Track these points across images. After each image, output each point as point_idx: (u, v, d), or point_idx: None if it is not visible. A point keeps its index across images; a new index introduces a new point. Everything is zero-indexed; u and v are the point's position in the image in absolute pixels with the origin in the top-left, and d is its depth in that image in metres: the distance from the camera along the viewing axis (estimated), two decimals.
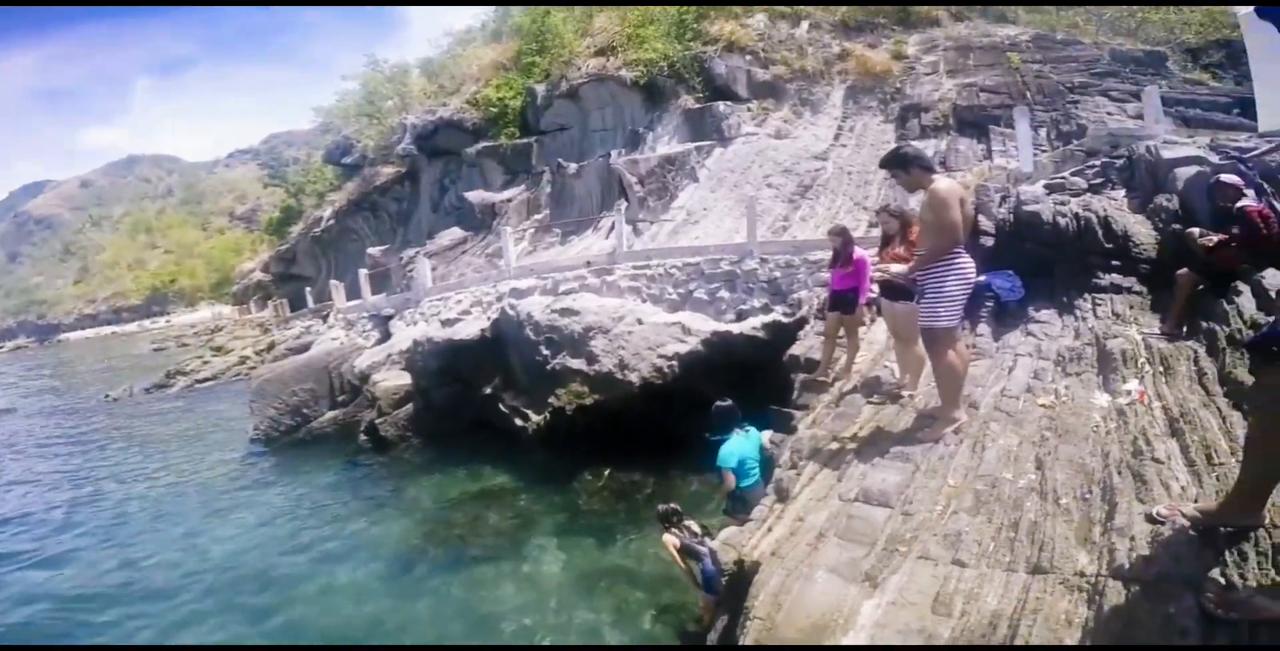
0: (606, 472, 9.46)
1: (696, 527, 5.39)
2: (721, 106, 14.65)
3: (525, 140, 19.53)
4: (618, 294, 11.15)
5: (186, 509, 11.08)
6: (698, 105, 15.15)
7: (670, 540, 5.30)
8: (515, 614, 6.52)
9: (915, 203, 5.94)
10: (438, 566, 7.76)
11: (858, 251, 5.76)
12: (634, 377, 9.38)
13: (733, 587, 3.91)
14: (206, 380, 22.13)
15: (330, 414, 13.48)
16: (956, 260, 3.75)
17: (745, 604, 3.06)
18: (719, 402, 5.49)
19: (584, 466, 9.60)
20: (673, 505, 5.68)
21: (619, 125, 17.35)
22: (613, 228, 12.69)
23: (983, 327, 5.74)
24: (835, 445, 4.35)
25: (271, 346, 21.16)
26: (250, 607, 7.38)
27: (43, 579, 8.96)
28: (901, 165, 3.83)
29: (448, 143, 21.84)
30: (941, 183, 3.71)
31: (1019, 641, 2.29)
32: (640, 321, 10.03)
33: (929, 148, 12.11)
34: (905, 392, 4.78)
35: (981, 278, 5.70)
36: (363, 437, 12.26)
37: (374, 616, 6.89)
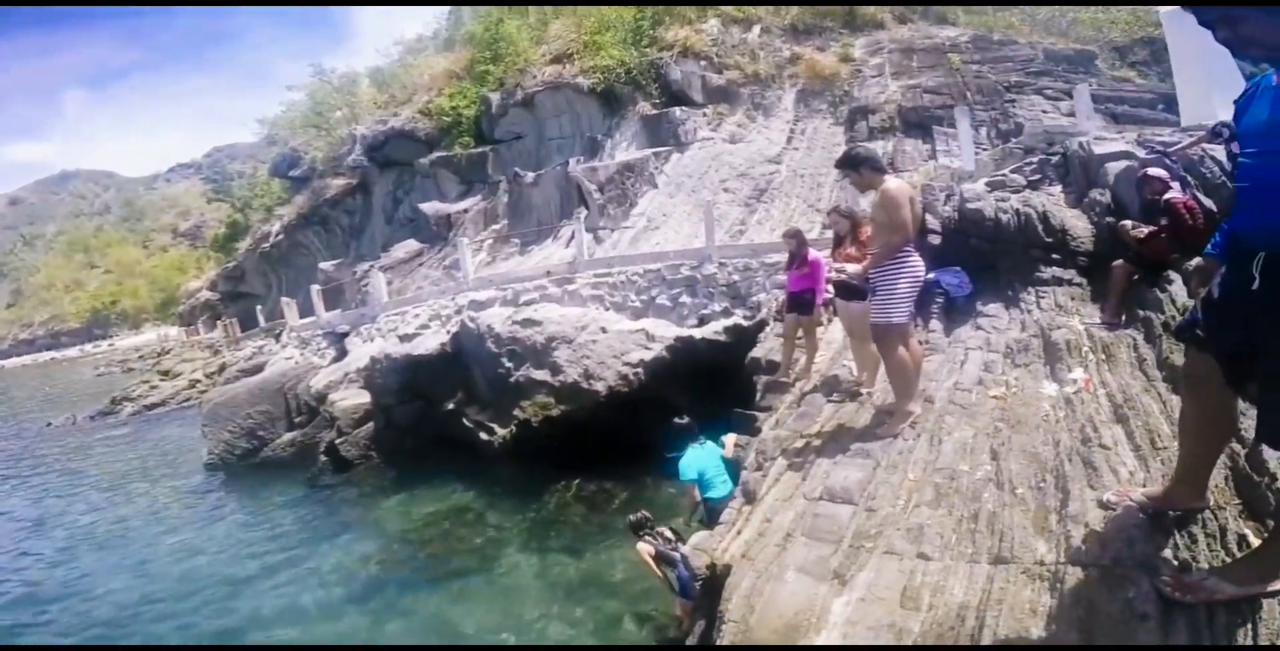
0: (576, 483, 9.38)
1: (669, 533, 5.40)
2: (678, 112, 14.78)
3: (480, 149, 19.32)
4: (580, 303, 11.11)
5: (138, 540, 10.59)
6: (655, 111, 15.26)
7: (644, 548, 5.30)
8: (492, 630, 6.43)
9: (866, 203, 6.11)
10: (409, 586, 7.59)
11: (812, 253, 5.89)
12: (600, 386, 9.36)
13: (707, 591, 3.93)
14: (155, 406, 21.24)
15: (288, 436, 13.08)
16: (907, 259, 3.88)
17: (719, 607, 3.07)
18: (675, 420, 5.71)
19: (553, 478, 9.52)
20: (643, 513, 5.68)
21: (576, 133, 17.32)
22: (573, 236, 12.66)
23: (934, 324, 5.90)
24: (798, 444, 4.40)
25: (223, 368, 20.45)
26: (213, 637, 7.15)
27: None
28: (854, 166, 3.94)
29: (400, 153, 21.49)
30: (891, 182, 3.83)
31: (986, 632, 2.33)
32: (604, 330, 10.02)
33: (878, 148, 12.42)
34: (864, 390, 4.87)
35: (931, 275, 5.90)
36: (323, 459, 11.93)
37: (342, 639, 6.72)
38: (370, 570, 8.23)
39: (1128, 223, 5.04)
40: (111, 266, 74.65)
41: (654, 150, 14.55)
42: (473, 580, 7.47)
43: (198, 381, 21.58)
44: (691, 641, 4.22)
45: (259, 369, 16.26)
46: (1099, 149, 6.58)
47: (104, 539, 10.76)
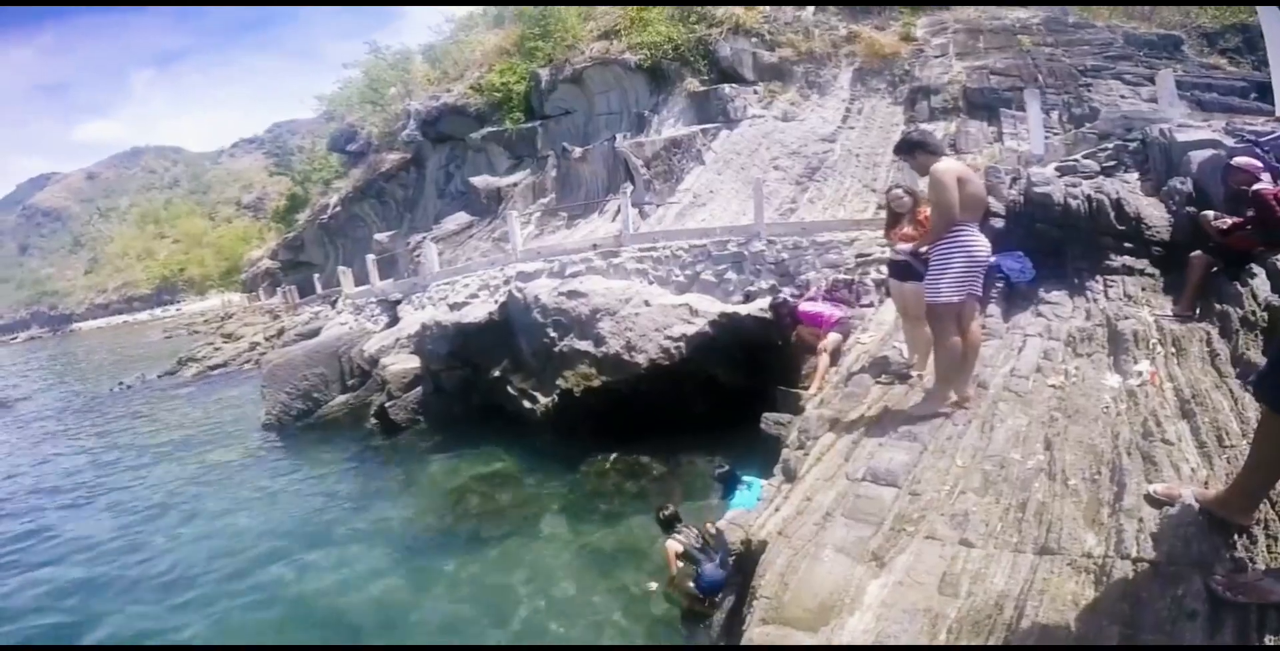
0: (614, 455, 9.45)
1: (698, 531, 5.41)
2: (727, 89, 14.46)
3: (530, 125, 19.35)
4: (624, 276, 11.10)
5: (200, 495, 11.13)
6: (703, 88, 14.96)
7: (673, 546, 5.34)
8: (528, 596, 6.52)
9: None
10: (449, 549, 7.78)
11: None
12: (641, 359, 9.36)
13: (740, 567, 3.91)
14: (218, 367, 22.22)
15: (341, 398, 13.53)
16: (962, 237, 3.74)
17: (752, 583, 3.05)
18: (717, 469, 5.88)
19: (592, 449, 9.59)
20: (674, 510, 5.73)
21: (624, 109, 17.15)
22: (619, 211, 12.60)
23: (992, 308, 5.69)
24: (843, 424, 4.32)
25: (281, 332, 21.21)
26: (264, 591, 7.42)
27: (55, 567, 9.02)
28: (909, 150, 3.92)
29: (452, 128, 21.70)
30: (941, 164, 3.71)
31: (1025, 622, 2.26)
32: (647, 303, 9.98)
33: (938, 130, 11.97)
34: (914, 372, 4.74)
35: (992, 259, 5.73)
36: (373, 421, 12.32)
37: (386, 599, 6.90)
38: (414, 530, 8.47)
39: (1210, 213, 4.75)
40: (180, 236, 77.90)
41: (701, 127, 14.31)
42: (510, 545, 7.60)
43: (258, 344, 22.47)
44: (719, 617, 4.21)
45: (315, 333, 16.83)
46: (1182, 136, 6.20)
47: (165, 496, 11.31)
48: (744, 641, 2.74)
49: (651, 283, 10.86)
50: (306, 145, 45.05)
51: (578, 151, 15.84)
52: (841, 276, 8.54)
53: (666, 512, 5.65)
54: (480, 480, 9.78)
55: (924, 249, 4.05)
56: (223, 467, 12.50)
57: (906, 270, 4.58)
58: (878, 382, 4.80)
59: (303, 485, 10.90)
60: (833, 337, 6.19)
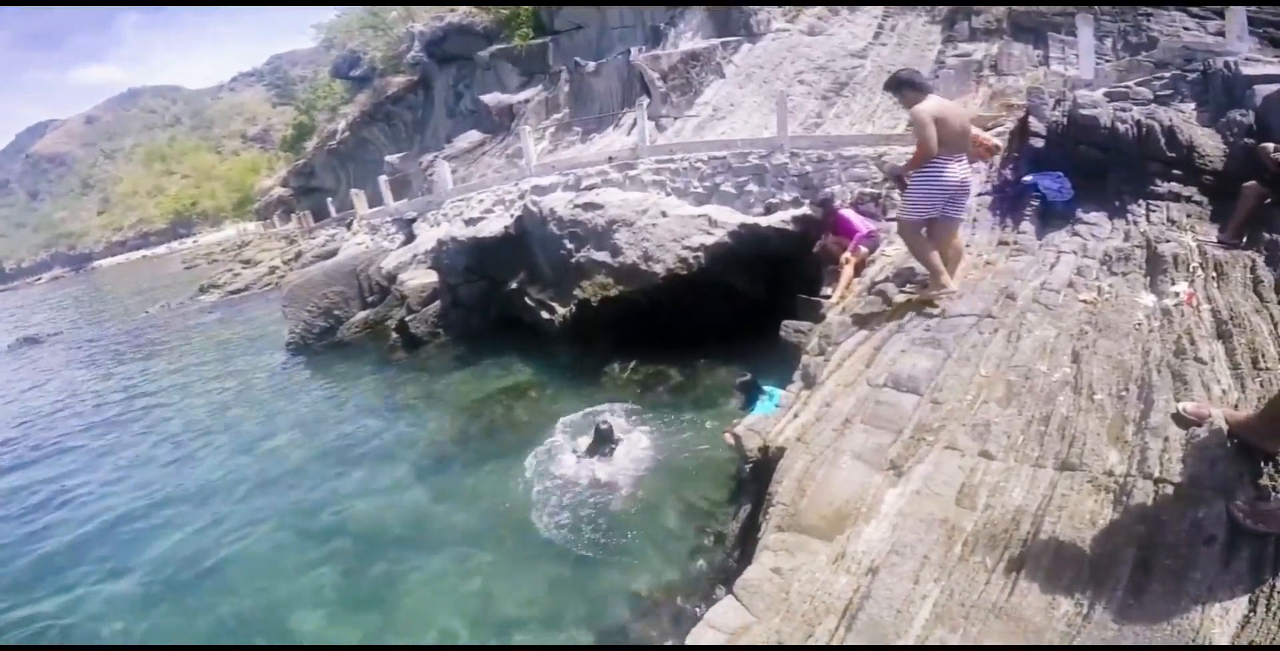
0: (632, 364, 9.34)
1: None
2: None
3: (540, 40, 18.36)
4: (641, 188, 10.67)
5: (227, 415, 11.22)
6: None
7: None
8: (552, 507, 6.36)
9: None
10: (471, 462, 7.69)
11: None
12: (659, 269, 9.10)
13: (756, 474, 3.82)
14: (239, 291, 22.17)
15: (361, 315, 13.43)
16: (936, 167, 4.04)
17: (769, 489, 2.97)
18: (739, 379, 5.69)
19: (610, 359, 9.49)
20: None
21: (638, 22, 16.14)
22: (635, 124, 11.99)
23: (1026, 226, 5.40)
24: (865, 332, 4.16)
25: (299, 255, 21.00)
26: (291, 508, 7.46)
27: (92, 487, 9.19)
28: (896, 87, 4.18)
29: (459, 48, 20.67)
30: (922, 104, 3.96)
31: (1042, 537, 2.17)
32: (665, 214, 9.63)
33: (978, 51, 11.20)
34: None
35: (1029, 177, 5.69)
36: (394, 336, 12.24)
37: (410, 514, 6.85)
38: (437, 444, 8.42)
39: (1270, 145, 4.42)
40: (189, 172, 76.45)
41: (721, 40, 13.41)
42: (529, 457, 7.43)
43: (276, 268, 22.31)
44: (734, 526, 4.14)
45: (333, 253, 16.59)
46: (1249, 70, 5.69)
47: (194, 417, 11.41)
48: (759, 547, 2.69)
49: (669, 194, 10.44)
50: (308, 75, 43.45)
51: (591, 66, 14.98)
52: (868, 190, 8.12)
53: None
54: (501, 392, 9.73)
55: (906, 174, 4.37)
56: (249, 387, 12.59)
57: None
58: (901, 292, 4.60)
59: (327, 402, 10.94)
60: (861, 250, 5.98)
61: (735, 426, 4.63)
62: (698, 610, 4.46)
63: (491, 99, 17.66)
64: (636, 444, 7.06)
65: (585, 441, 6.96)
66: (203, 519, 7.61)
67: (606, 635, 4.79)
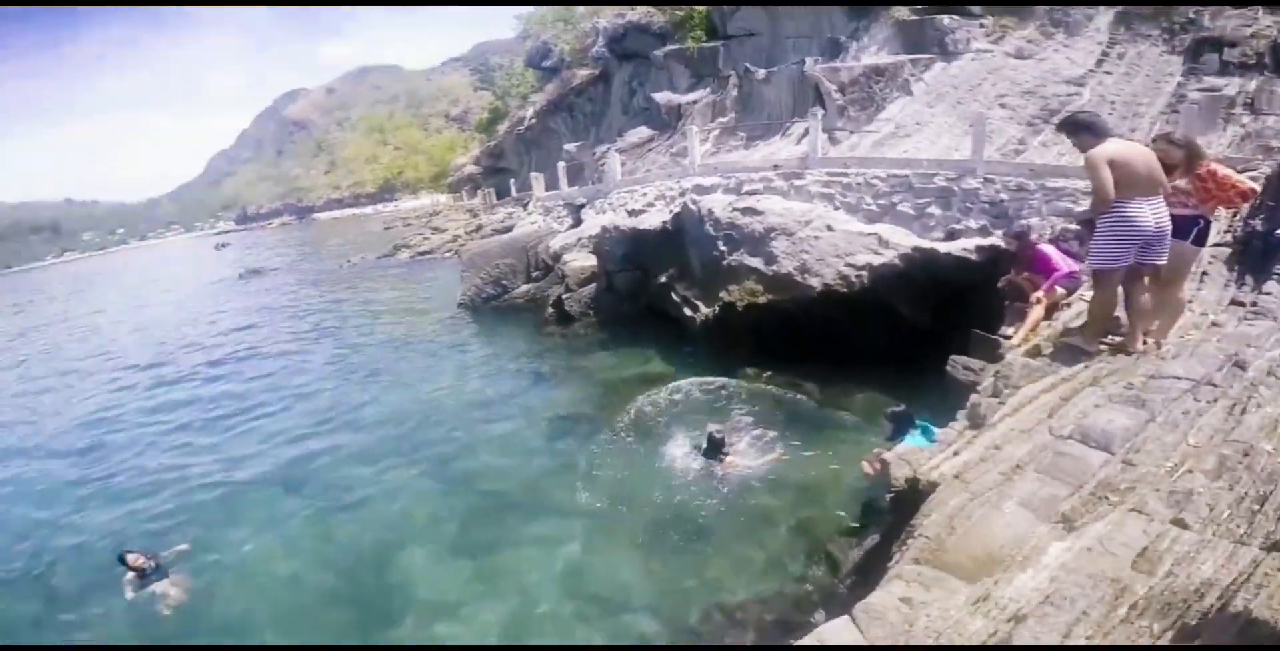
0: (768, 373, 9.12)
1: None
2: (947, 20, 12.54)
3: (712, 44, 18.43)
4: (806, 199, 10.38)
5: (397, 357, 12.72)
6: (914, 17, 13.08)
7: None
8: (663, 499, 6.46)
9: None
10: (597, 438, 7.94)
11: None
12: (815, 283, 8.84)
13: (897, 505, 3.63)
14: (425, 253, 24.74)
15: (525, 287, 14.48)
16: (1121, 211, 3.70)
17: (912, 521, 2.82)
18: (891, 408, 5.39)
19: (747, 363, 9.36)
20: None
21: (815, 33, 15.70)
22: (805, 134, 11.68)
23: (1272, 287, 4.58)
24: (1052, 378, 3.80)
25: (479, 228, 22.96)
26: (433, 452, 8.25)
27: (274, 406, 10.85)
28: (1072, 130, 3.92)
29: (637, 46, 21.36)
30: (1095, 149, 3.68)
31: (1230, 611, 1.86)
32: (830, 228, 9.29)
33: (1231, 86, 9.74)
34: (1148, 339, 4.04)
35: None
36: (550, 311, 13.05)
37: (531, 477, 7.28)
38: (567, 417, 8.84)
39: None
40: (399, 145, 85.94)
41: (911, 57, 12.60)
42: (650, 445, 7.53)
43: (459, 236, 24.58)
44: (856, 554, 3.92)
45: (509, 230, 17.97)
46: None
47: (369, 357, 13.01)
48: (889, 576, 2.57)
49: (837, 208, 10.06)
50: (506, 63, 46.69)
51: (761, 73, 14.74)
52: (1072, 227, 7.25)
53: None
54: (636, 378, 9.96)
55: (1089, 218, 4.08)
56: (419, 335, 14.14)
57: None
58: (1101, 343, 4.14)
59: (483, 358, 12.02)
60: (1057, 291, 5.45)
61: (881, 454, 4.44)
62: (787, 626, 4.41)
63: (662, 97, 18.03)
64: (760, 453, 6.96)
65: (704, 441, 7.00)
66: (359, 447, 8.69)
67: (681, 632, 4.77)
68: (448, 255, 23.37)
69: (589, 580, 5.52)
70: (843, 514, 5.70)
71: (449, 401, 10.03)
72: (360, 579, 5.96)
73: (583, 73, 25.58)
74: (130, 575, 6.07)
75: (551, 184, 19.06)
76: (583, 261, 12.91)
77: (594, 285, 12.51)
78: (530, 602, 5.30)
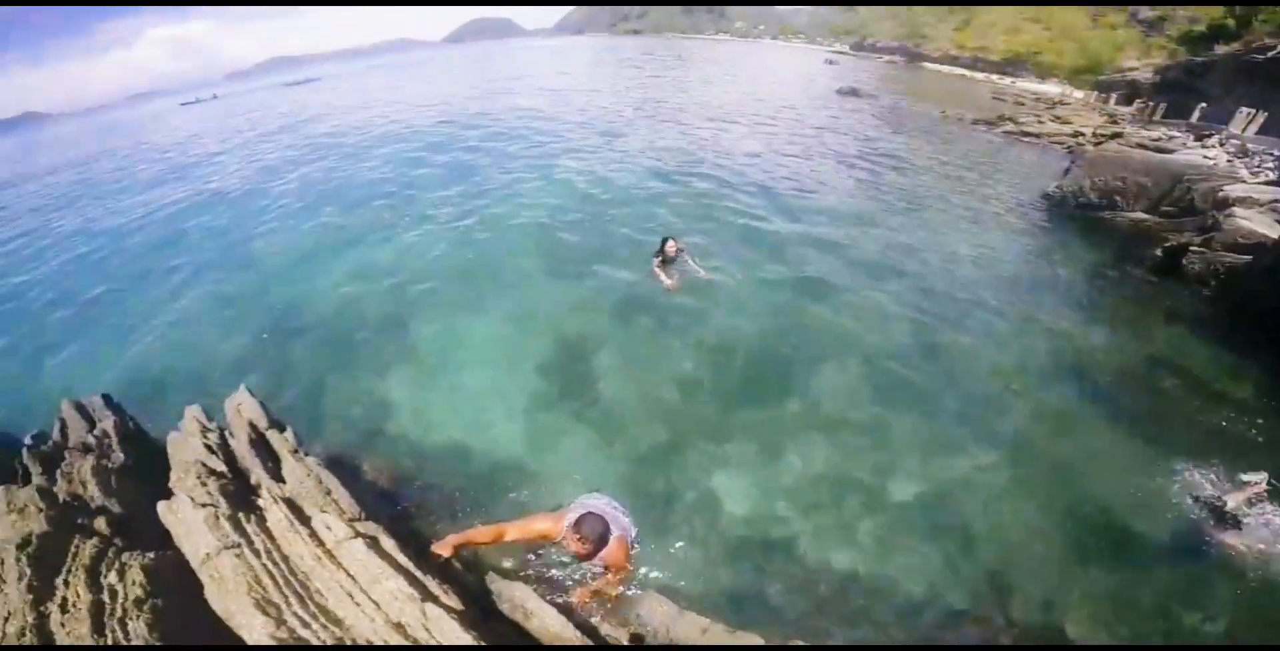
0: None
1: None
2: None
3: None
4: None
5: (947, 225, 11.53)
6: None
7: None
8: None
9: None
10: (1119, 448, 5.89)
11: None
12: None
13: None
14: (1029, 135, 21.48)
15: (1139, 214, 11.53)
16: None
17: None
18: None
19: None
20: None
21: None
22: None
23: None
24: None
25: (1116, 135, 18.53)
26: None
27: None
28: None
29: None
30: None
31: None
32: None
33: None
34: None
35: None
36: (1157, 253, 10.20)
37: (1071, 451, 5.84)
38: (1102, 380, 6.91)
39: None
40: (1050, 26, 71.46)
41: None
42: (1173, 478, 5.47)
43: (1081, 134, 20.43)
44: None
45: (1162, 151, 13.96)
46: None
47: (931, 226, 11.53)
48: None
49: None
50: None
51: None
52: None
53: None
54: (1216, 388, 6.89)
55: None
56: (982, 209, 12.70)
57: None
58: None
59: (1031, 261, 10.27)
60: None
61: None
62: None
63: None
64: None
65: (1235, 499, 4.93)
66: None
67: None
68: (1055, 146, 19.82)
69: None
70: None
71: (961, 299, 8.59)
72: None
73: None
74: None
75: (1271, 128, 13.58)
76: (1257, 226, 9.34)
77: (1248, 259, 9.10)
78: None
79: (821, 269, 9.08)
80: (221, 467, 3.83)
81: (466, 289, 8.63)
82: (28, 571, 2.86)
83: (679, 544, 4.58)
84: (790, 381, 6.47)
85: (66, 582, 2.86)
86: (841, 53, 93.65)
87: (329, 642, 2.61)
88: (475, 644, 2.62)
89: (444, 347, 7.31)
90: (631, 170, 14.11)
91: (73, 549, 3.08)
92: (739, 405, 6.08)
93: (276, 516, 3.34)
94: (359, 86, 52.02)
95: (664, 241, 8.27)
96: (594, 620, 3.45)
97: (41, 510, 3.37)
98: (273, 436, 4.18)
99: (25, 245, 14.02)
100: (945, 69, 70.71)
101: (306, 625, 2.66)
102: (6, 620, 2.68)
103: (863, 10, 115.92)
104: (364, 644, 2.66)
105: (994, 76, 59.15)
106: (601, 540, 3.42)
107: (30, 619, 2.66)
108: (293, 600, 2.77)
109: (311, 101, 41.38)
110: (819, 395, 6.28)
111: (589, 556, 3.45)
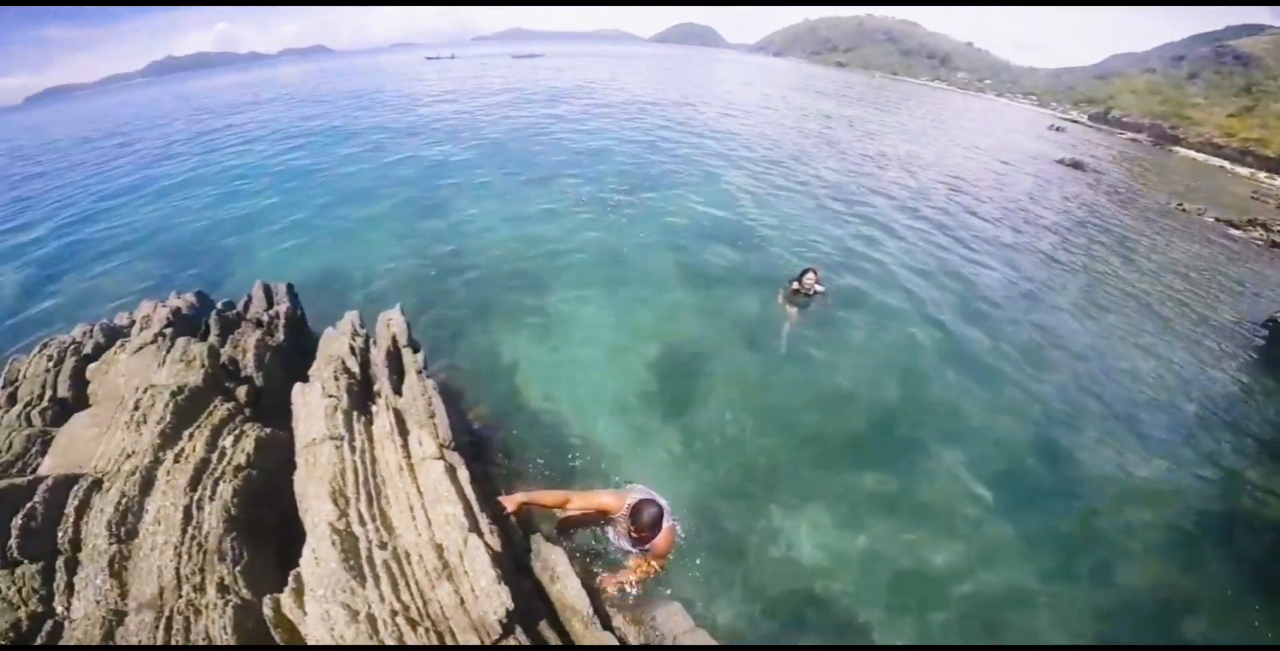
0: None
1: None
2: None
3: None
4: None
5: (1139, 335, 10.20)
6: None
7: None
8: None
9: None
10: None
11: None
12: None
13: None
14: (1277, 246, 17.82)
15: None
16: None
17: None
18: None
19: None
20: None
21: None
22: None
23: None
24: None
25: None
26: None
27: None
28: None
29: None
30: None
31: None
32: None
33: None
34: None
35: None
36: None
37: None
38: None
39: None
40: None
41: None
42: None
43: None
44: None
45: None
46: None
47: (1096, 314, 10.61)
48: None
49: None
50: None
51: None
52: None
53: None
54: None
55: None
56: (1186, 323, 10.61)
57: None
58: None
59: (1229, 396, 8.41)
60: None
61: None
62: None
63: None
64: None
65: None
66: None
67: None
68: None
69: None
70: None
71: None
72: None
73: None
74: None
75: None
76: None
77: None
78: None
79: (970, 345, 8.27)
80: (356, 369, 4.33)
81: (609, 273, 9.01)
82: (168, 417, 3.44)
83: (722, 569, 4.46)
84: (897, 454, 6.00)
85: (191, 435, 3.41)
86: (1073, 121, 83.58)
87: (375, 543, 2.87)
88: (493, 583, 2.74)
89: (572, 321, 7.70)
90: (800, 200, 13.78)
91: (211, 407, 3.66)
92: (834, 463, 5.76)
93: (383, 423, 3.73)
94: (576, 67, 55.55)
95: (804, 271, 7.95)
96: (610, 608, 3.47)
97: (204, 366, 4.02)
98: (406, 354, 4.65)
99: (307, 143, 17.48)
100: (1201, 157, 60.59)
101: (364, 523, 2.95)
102: (131, 456, 3.23)
103: (1116, 80, 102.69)
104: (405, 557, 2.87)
105: (1262, 174, 49.75)
106: (656, 525, 3.53)
107: (146, 461, 3.19)
108: (363, 498, 3.09)
109: (537, 77, 44.82)
110: (923, 477, 5.76)
111: (641, 540, 3.52)
